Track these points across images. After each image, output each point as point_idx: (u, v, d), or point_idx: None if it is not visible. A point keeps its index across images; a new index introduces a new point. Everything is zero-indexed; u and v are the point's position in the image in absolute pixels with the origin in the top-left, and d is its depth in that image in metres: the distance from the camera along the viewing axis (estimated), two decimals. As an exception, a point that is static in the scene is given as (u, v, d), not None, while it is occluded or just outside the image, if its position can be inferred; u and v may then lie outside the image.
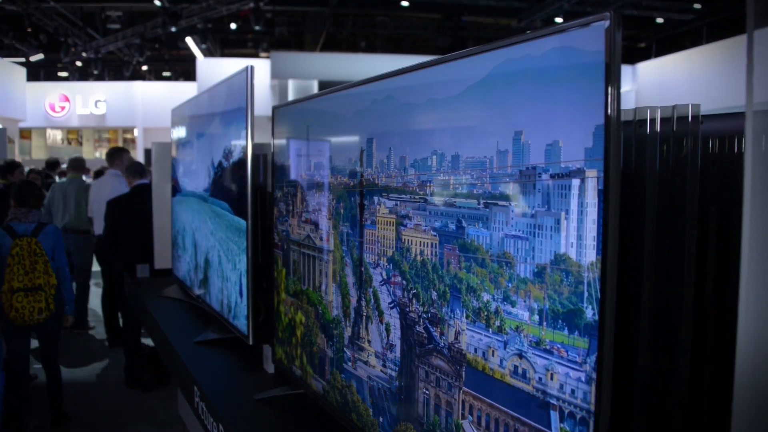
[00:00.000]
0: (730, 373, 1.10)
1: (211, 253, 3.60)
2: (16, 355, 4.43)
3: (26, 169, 12.45)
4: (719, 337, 1.34)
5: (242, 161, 2.93)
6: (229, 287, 3.23)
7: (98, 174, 10.88)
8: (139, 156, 19.46)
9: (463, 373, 1.51)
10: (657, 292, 1.36)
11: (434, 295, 1.59)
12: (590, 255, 1.16)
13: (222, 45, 22.34)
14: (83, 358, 6.32)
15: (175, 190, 4.70)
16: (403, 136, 1.75)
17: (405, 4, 16.91)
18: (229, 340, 3.35)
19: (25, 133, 23.35)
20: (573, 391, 1.20)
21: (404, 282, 1.73)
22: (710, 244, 1.36)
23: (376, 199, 1.87)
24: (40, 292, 4.29)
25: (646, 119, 1.38)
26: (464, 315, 1.48)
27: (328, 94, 2.21)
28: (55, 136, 25.13)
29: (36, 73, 22.76)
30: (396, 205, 1.76)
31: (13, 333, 4.35)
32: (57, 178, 10.88)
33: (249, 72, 2.84)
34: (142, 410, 5.13)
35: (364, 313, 1.97)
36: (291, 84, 17.63)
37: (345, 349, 2.10)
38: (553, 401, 1.25)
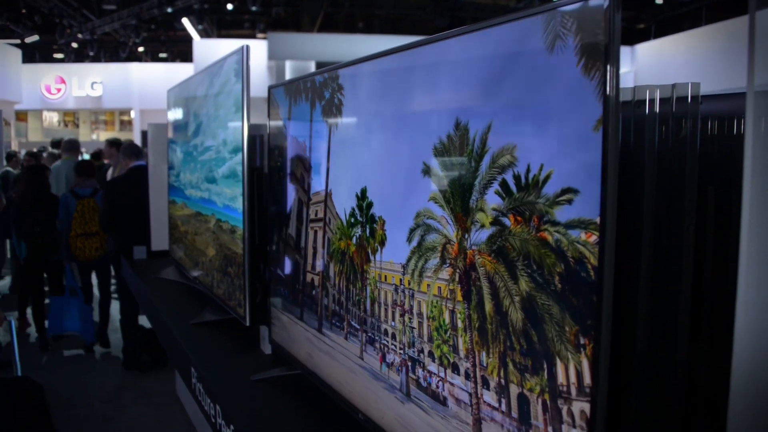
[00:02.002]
0: (728, 355, 1.10)
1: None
2: (85, 285, 6.24)
3: (22, 152, 12.44)
4: (717, 319, 1.34)
5: (238, 143, 2.92)
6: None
7: (96, 156, 10.87)
8: (135, 138, 19.39)
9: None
10: (655, 274, 1.35)
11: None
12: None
13: (219, 26, 22.18)
14: (82, 339, 6.33)
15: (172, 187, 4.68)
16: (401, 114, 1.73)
17: (403, -16, 16.77)
18: (226, 321, 3.36)
19: (22, 116, 23.23)
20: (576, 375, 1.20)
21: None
22: (709, 225, 1.36)
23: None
24: (95, 237, 5.96)
25: (645, 99, 1.36)
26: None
27: (324, 73, 2.19)
28: (52, 118, 25.02)
29: (31, 55, 22.59)
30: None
31: (80, 269, 6.19)
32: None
33: (244, 52, 2.82)
34: (140, 391, 5.14)
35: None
36: (288, 65, 17.54)
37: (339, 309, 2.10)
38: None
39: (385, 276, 1.82)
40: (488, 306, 1.40)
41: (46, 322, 6.12)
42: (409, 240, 1.69)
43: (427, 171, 1.61)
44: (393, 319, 1.81)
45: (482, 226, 1.40)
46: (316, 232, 2.27)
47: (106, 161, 10.11)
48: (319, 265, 2.26)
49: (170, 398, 4.98)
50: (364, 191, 1.92)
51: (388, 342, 1.84)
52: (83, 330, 6.04)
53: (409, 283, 1.70)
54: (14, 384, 3.79)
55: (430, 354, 1.63)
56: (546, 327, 1.24)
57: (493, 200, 1.37)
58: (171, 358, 4.08)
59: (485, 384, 1.43)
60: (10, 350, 4.20)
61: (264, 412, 2.33)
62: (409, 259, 1.70)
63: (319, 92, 2.21)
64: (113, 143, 7.50)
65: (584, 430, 1.18)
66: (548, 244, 1.23)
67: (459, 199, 1.48)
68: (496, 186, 1.37)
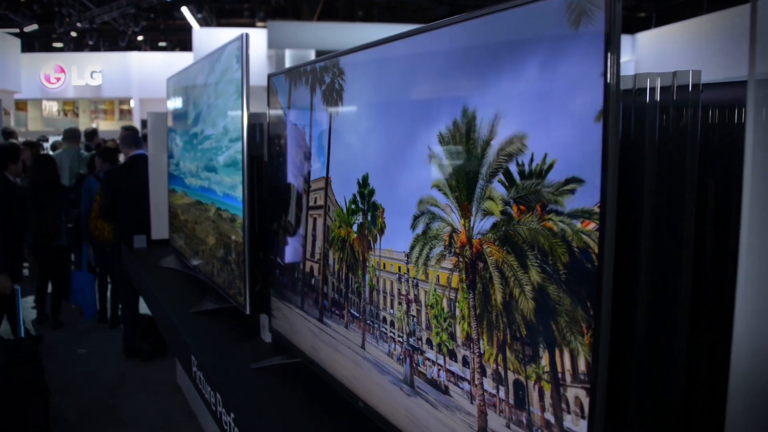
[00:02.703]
0: (728, 347, 1.10)
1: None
2: (103, 264, 6.46)
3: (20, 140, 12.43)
4: (717, 310, 1.34)
5: (238, 132, 2.91)
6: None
7: (96, 145, 10.92)
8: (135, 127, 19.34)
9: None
10: (655, 263, 1.35)
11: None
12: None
13: (218, 14, 22.11)
14: (82, 328, 6.35)
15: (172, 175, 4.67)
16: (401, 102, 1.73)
17: (402, -28, 16.70)
18: (226, 309, 3.36)
19: (21, 105, 23.20)
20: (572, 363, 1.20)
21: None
22: (709, 214, 1.36)
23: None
24: None
25: (646, 88, 1.36)
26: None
27: (324, 61, 2.18)
28: (51, 107, 25.00)
29: (30, 44, 22.53)
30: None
31: (97, 248, 6.37)
32: (50, 150, 10.91)
33: (244, 40, 2.81)
34: (140, 380, 5.16)
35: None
36: (288, 54, 17.50)
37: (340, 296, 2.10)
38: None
39: (388, 264, 1.82)
40: (493, 295, 1.40)
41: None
42: (413, 228, 1.68)
43: (431, 158, 1.59)
44: (394, 308, 1.81)
45: (490, 214, 1.39)
46: (315, 219, 2.27)
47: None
48: (319, 253, 2.26)
49: (170, 386, 4.99)
50: (365, 178, 1.92)
51: (387, 330, 1.84)
52: (87, 305, 6.55)
53: (411, 272, 1.70)
54: (14, 344, 4.46)
55: (429, 341, 1.63)
56: (553, 317, 1.24)
57: (499, 189, 1.36)
58: (171, 347, 4.09)
59: (489, 373, 1.43)
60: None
61: (264, 400, 2.34)
62: (412, 248, 1.69)
63: (319, 78, 2.20)
64: (129, 130, 7.56)
65: (581, 417, 1.18)
66: (554, 233, 1.22)
67: (464, 187, 1.47)
68: (501, 175, 1.35)
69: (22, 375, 3.99)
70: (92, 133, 10.05)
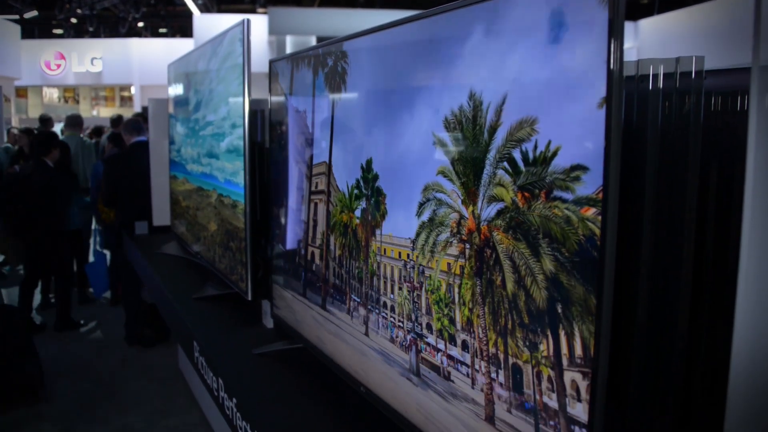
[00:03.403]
0: (729, 332, 1.10)
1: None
2: (111, 245, 6.63)
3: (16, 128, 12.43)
4: (718, 296, 1.34)
5: (239, 117, 2.91)
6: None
7: (96, 132, 10.91)
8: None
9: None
10: (657, 248, 1.35)
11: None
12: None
13: (219, 1, 22.01)
14: (85, 315, 6.36)
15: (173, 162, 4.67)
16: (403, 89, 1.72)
17: (404, -42, 16.58)
18: (228, 295, 3.37)
19: (21, 92, 23.13)
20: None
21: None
22: (711, 201, 1.36)
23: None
24: None
25: (649, 74, 1.36)
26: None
27: (325, 47, 2.18)
28: (52, 94, 24.93)
29: (30, 31, 22.43)
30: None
31: (105, 230, 6.66)
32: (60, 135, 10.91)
33: (245, 25, 2.80)
34: (142, 366, 5.17)
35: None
36: (289, 40, 17.43)
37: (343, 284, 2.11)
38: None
39: (389, 250, 1.82)
40: (504, 281, 1.39)
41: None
42: (419, 214, 1.67)
43: (436, 144, 1.58)
44: (396, 294, 1.81)
45: (499, 200, 1.37)
46: (316, 204, 2.27)
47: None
48: (320, 238, 2.26)
49: (173, 372, 5.01)
50: (369, 162, 1.91)
51: (387, 315, 1.85)
52: (95, 284, 6.82)
53: (416, 258, 1.69)
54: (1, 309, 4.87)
55: (429, 326, 1.64)
56: (562, 303, 1.23)
57: (506, 175, 1.35)
58: (173, 333, 4.11)
59: (495, 360, 1.44)
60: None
61: (266, 385, 2.35)
62: (418, 234, 1.68)
63: (322, 63, 2.20)
64: (138, 116, 7.56)
65: (577, 400, 1.19)
66: (561, 219, 1.21)
67: (471, 173, 1.46)
68: (506, 162, 1.34)
69: (12, 335, 4.45)
70: (118, 120, 9.96)
